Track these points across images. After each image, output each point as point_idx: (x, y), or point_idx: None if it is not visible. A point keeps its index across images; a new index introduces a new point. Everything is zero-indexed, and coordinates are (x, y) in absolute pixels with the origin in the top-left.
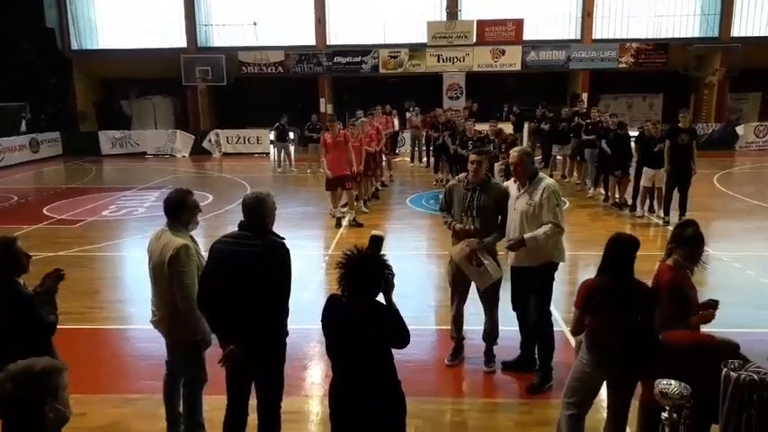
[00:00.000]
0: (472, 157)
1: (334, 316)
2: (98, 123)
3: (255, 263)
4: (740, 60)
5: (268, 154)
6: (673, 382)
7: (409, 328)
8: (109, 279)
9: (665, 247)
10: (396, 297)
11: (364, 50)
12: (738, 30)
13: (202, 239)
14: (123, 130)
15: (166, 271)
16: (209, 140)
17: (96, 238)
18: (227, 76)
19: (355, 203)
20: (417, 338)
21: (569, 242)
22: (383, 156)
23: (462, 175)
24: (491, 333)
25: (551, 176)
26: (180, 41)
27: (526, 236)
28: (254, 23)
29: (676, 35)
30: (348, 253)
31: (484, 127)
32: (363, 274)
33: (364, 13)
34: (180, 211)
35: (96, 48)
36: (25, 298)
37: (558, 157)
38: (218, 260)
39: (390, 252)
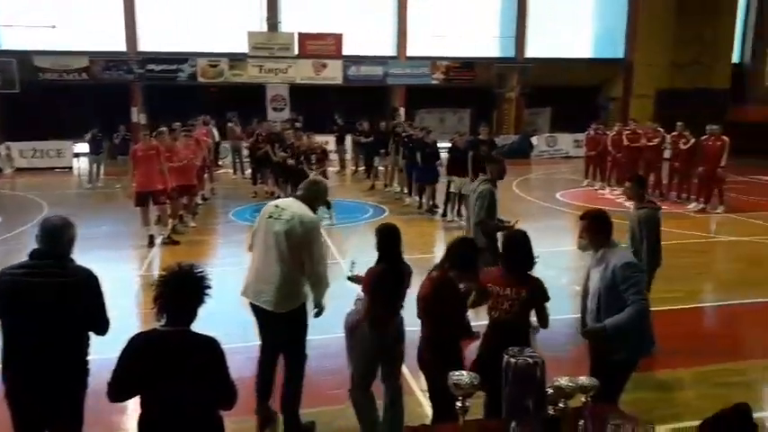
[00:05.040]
0: None
1: (148, 348)
2: None
3: (60, 295)
4: (533, 78)
5: (71, 168)
6: (464, 373)
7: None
8: None
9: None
10: (205, 314)
11: (180, 58)
12: (531, 51)
13: None
14: None
15: None
16: None
17: None
18: (19, 82)
19: (170, 220)
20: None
21: None
22: (205, 169)
23: None
24: None
25: (373, 187)
26: None
27: None
28: (53, 26)
29: (481, 55)
30: (168, 270)
31: (321, 138)
32: (186, 291)
33: (179, 20)
34: None
35: None
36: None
37: (380, 168)
38: (6, 295)
39: (212, 268)
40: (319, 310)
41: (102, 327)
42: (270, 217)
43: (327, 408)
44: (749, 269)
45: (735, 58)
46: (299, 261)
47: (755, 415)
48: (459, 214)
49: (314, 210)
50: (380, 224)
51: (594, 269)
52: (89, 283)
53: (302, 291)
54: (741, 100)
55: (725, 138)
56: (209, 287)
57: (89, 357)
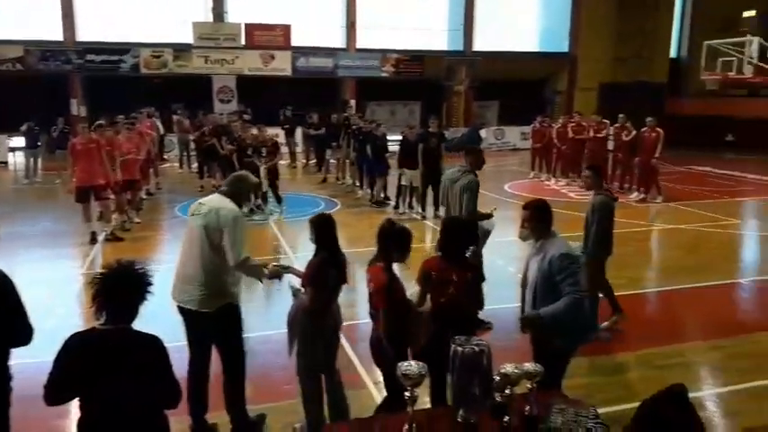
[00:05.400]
0: None
1: (86, 348)
2: None
3: None
4: (481, 72)
5: (6, 163)
6: (413, 363)
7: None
8: None
9: (378, 246)
10: (148, 312)
11: (122, 48)
12: (479, 45)
13: None
14: None
15: None
16: None
17: None
18: None
19: (114, 216)
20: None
21: (342, 239)
22: (149, 163)
23: None
24: None
25: (325, 180)
26: None
27: None
28: None
29: (430, 48)
30: (107, 267)
31: (271, 131)
32: (125, 288)
33: (120, 8)
34: None
35: None
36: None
37: (332, 160)
38: None
39: (157, 265)
40: (274, 276)
41: (25, 334)
42: (192, 214)
43: (280, 403)
44: (686, 256)
45: (672, 53)
46: (222, 256)
47: (694, 394)
48: (410, 206)
49: (239, 205)
50: (313, 215)
51: (533, 259)
52: (6, 286)
53: (230, 288)
54: (677, 94)
55: (660, 130)
56: (150, 284)
57: (25, 361)
